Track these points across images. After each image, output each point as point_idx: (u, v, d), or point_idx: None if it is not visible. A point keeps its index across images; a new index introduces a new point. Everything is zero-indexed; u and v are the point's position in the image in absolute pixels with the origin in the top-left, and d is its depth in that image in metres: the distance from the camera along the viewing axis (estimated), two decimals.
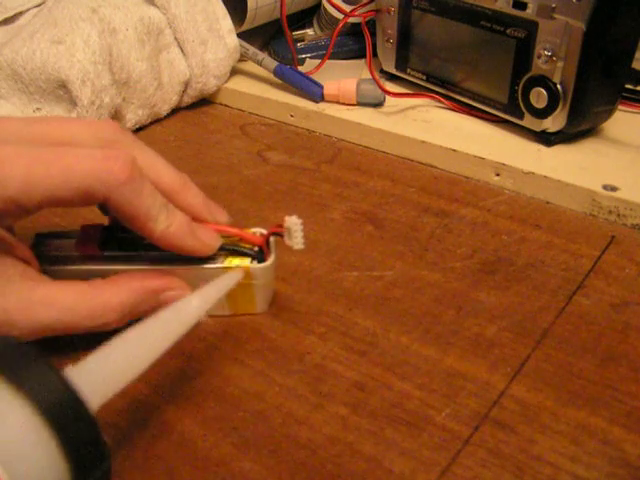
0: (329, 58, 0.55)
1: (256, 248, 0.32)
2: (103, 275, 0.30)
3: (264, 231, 0.33)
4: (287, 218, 0.30)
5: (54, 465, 0.20)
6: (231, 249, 0.32)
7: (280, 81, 0.54)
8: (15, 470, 0.19)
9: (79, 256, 0.31)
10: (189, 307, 0.26)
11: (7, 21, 0.51)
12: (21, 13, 0.51)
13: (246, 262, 0.31)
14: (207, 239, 0.31)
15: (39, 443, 0.20)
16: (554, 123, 0.43)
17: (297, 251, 0.31)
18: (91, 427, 0.21)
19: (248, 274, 0.31)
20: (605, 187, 0.40)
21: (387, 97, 0.51)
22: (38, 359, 0.21)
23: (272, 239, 0.32)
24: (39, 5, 0.52)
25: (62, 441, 0.20)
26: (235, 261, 0.31)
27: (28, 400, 0.20)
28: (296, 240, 0.30)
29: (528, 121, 0.45)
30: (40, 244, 0.32)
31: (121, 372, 0.24)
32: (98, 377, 0.23)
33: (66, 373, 0.22)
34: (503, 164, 0.43)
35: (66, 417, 0.20)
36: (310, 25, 0.63)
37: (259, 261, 0.31)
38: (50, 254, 0.32)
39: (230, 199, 0.42)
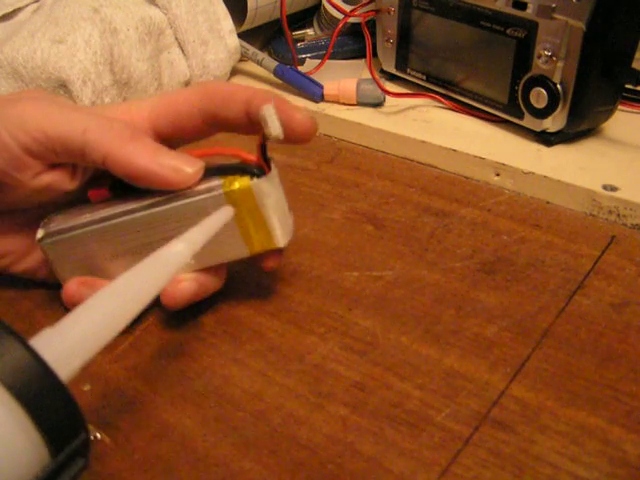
0: (329, 58, 0.55)
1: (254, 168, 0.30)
2: (116, 220, 0.30)
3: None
4: (263, 107, 0.28)
5: (28, 439, 0.19)
6: (226, 168, 0.30)
7: (280, 81, 0.54)
8: None
9: (89, 209, 0.31)
10: (173, 253, 0.25)
11: (6, 17, 0.51)
12: (20, 9, 0.51)
13: (246, 180, 0.29)
14: (175, 163, 0.29)
15: (9, 418, 0.19)
16: (554, 123, 0.43)
17: (296, 250, 0.30)
18: (62, 396, 0.20)
19: (251, 194, 0.29)
20: (605, 187, 0.40)
21: (387, 97, 0.51)
22: (2, 330, 0.20)
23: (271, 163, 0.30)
24: (37, 0, 0.52)
25: (33, 414, 0.19)
26: (236, 183, 0.29)
27: None
28: (274, 126, 0.28)
29: (528, 121, 0.45)
30: (50, 223, 0.32)
31: (96, 333, 0.22)
32: (69, 342, 0.21)
33: (34, 342, 0.20)
34: (503, 164, 0.43)
35: (34, 389, 0.19)
36: (310, 25, 0.63)
37: (259, 176, 0.29)
38: (61, 226, 0.31)
39: None
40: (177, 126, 0.32)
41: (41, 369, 0.19)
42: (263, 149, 0.30)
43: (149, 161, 0.29)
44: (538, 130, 0.45)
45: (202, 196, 0.29)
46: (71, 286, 0.31)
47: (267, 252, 0.31)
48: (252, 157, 0.30)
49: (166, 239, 0.29)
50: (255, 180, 0.29)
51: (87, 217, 0.31)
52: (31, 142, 0.29)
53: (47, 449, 0.20)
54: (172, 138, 0.32)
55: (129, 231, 0.30)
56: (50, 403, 0.19)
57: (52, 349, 0.21)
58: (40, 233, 0.31)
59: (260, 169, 0.30)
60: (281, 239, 0.31)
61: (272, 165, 0.30)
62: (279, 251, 0.32)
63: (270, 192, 0.30)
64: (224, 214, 0.28)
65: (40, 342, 0.21)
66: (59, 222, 0.31)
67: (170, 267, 0.24)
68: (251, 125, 0.31)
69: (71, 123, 0.29)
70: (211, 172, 0.30)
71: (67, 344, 0.21)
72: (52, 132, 0.29)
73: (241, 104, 0.30)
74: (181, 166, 0.29)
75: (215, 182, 0.29)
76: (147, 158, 0.29)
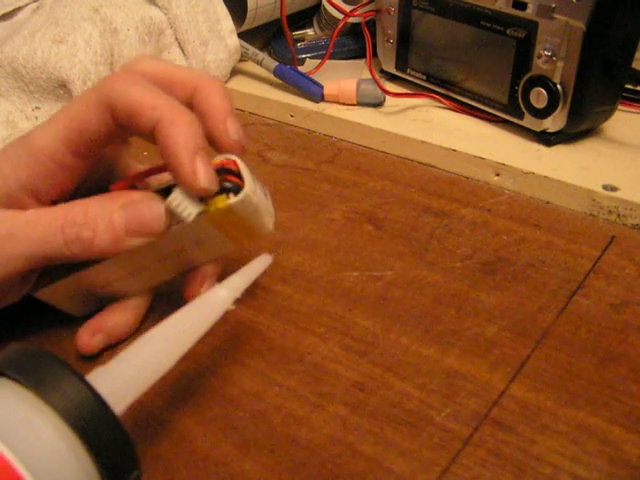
0: (329, 58, 0.55)
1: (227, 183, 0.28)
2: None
3: (233, 157, 0.29)
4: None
5: (86, 474, 0.20)
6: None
7: (280, 81, 0.54)
8: None
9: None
10: (216, 298, 0.26)
11: (6, 16, 0.51)
12: (19, 8, 0.51)
13: (223, 200, 0.28)
14: (205, 170, 0.26)
15: (70, 453, 0.20)
16: (554, 123, 0.43)
17: (296, 250, 0.30)
18: (119, 433, 0.21)
19: (231, 211, 0.28)
20: (605, 187, 0.40)
21: (387, 97, 0.51)
22: (60, 366, 0.21)
23: (240, 163, 0.28)
24: (37, 0, 0.52)
25: (92, 450, 0.20)
26: (213, 205, 0.28)
27: (56, 411, 0.20)
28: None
29: (528, 121, 0.45)
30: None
31: (146, 372, 0.23)
32: (123, 380, 0.23)
33: (90, 379, 0.21)
34: (503, 164, 0.43)
35: (93, 425, 0.20)
36: (310, 25, 0.63)
37: (235, 192, 0.28)
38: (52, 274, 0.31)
39: None
40: (88, 137, 0.28)
41: (100, 406, 0.20)
42: (225, 170, 0.28)
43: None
44: (538, 130, 0.45)
45: (183, 224, 0.28)
46: (84, 338, 0.31)
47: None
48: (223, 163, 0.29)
49: (157, 258, 0.30)
50: (234, 201, 0.28)
51: (70, 265, 0.30)
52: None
53: None
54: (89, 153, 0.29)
55: (119, 259, 0.30)
56: (107, 439, 0.20)
57: (106, 386, 0.21)
58: (38, 290, 0.31)
59: (235, 185, 0.28)
60: (269, 227, 0.30)
61: (245, 176, 0.28)
62: None
63: (250, 202, 0.28)
64: (263, 262, 0.28)
65: (96, 378, 0.22)
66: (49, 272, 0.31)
67: (214, 311, 0.26)
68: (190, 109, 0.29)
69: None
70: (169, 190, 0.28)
71: (121, 382, 0.23)
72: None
73: (147, 120, 0.27)
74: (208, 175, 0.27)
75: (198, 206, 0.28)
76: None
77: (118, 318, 0.32)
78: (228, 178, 0.28)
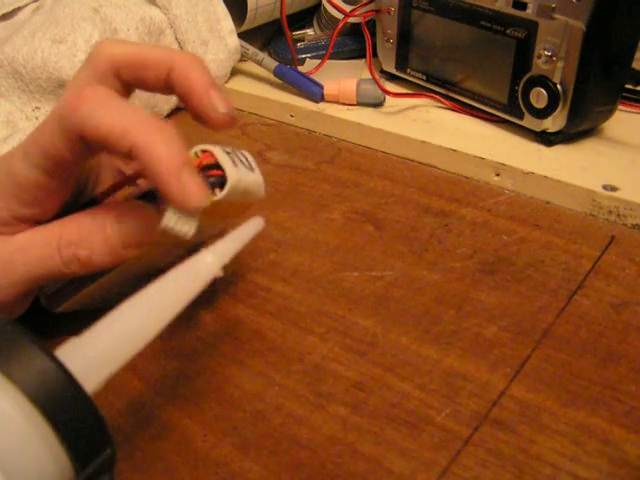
0: (329, 58, 0.55)
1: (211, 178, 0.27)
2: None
3: (207, 147, 0.28)
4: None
5: (52, 454, 0.19)
6: None
7: (280, 81, 0.54)
8: (11, 462, 0.18)
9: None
10: (202, 264, 0.24)
11: (6, 16, 0.51)
12: (20, 8, 0.51)
13: (211, 197, 0.27)
14: (195, 188, 0.25)
15: (34, 433, 0.18)
16: (554, 123, 0.43)
17: (296, 250, 0.30)
18: (88, 410, 0.19)
19: (221, 204, 0.27)
20: (605, 187, 0.40)
21: (387, 97, 0.51)
22: (27, 340, 0.19)
23: (217, 153, 0.28)
24: (37, 0, 0.52)
25: (58, 429, 0.19)
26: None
27: (19, 388, 0.18)
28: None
29: (528, 121, 0.45)
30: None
31: (123, 345, 0.22)
32: (96, 353, 0.21)
33: (59, 353, 0.20)
34: (503, 164, 0.43)
35: (60, 402, 0.19)
36: (310, 25, 0.63)
37: (221, 185, 0.27)
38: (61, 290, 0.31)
39: None
40: (58, 157, 0.27)
41: (67, 381, 0.19)
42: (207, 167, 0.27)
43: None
44: (538, 130, 0.45)
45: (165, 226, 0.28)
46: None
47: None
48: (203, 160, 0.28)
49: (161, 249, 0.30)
50: (219, 195, 0.27)
51: (83, 277, 0.30)
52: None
53: (72, 464, 0.19)
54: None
55: (125, 272, 0.30)
56: (76, 417, 0.19)
57: (78, 360, 0.20)
58: (43, 300, 0.31)
59: (218, 177, 0.27)
60: (260, 195, 0.30)
61: (224, 166, 0.27)
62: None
63: (236, 189, 0.27)
64: (253, 225, 0.27)
65: (66, 353, 0.20)
66: (56, 285, 0.31)
67: (199, 278, 0.24)
68: (169, 90, 0.29)
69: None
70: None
71: (94, 355, 0.21)
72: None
73: (122, 148, 0.25)
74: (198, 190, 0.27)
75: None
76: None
77: None
78: (210, 173, 0.27)
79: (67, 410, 0.19)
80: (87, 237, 0.27)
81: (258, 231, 0.26)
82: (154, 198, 0.28)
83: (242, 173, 0.28)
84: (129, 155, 0.25)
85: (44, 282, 0.29)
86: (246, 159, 0.29)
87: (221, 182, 0.27)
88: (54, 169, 0.27)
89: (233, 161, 0.28)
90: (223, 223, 0.31)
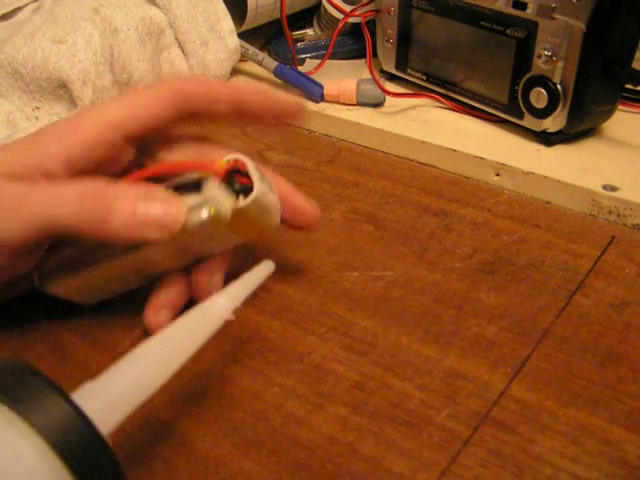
0: (329, 58, 0.55)
1: (236, 185, 0.28)
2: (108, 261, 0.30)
3: (239, 156, 0.29)
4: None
5: None
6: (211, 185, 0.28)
7: (280, 81, 0.54)
8: None
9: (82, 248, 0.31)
10: (215, 307, 0.25)
11: (6, 16, 0.51)
12: (19, 8, 0.51)
13: (230, 202, 0.28)
14: (156, 213, 0.27)
15: (52, 476, 0.19)
16: (554, 123, 0.43)
17: (296, 250, 0.30)
18: (104, 454, 0.20)
19: (242, 213, 0.28)
20: (605, 187, 0.40)
21: (387, 97, 0.51)
22: (45, 384, 0.20)
23: (249, 163, 0.29)
24: (37, 0, 0.52)
25: (75, 471, 0.19)
26: (223, 207, 0.28)
27: (37, 432, 0.19)
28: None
29: (528, 121, 0.45)
30: (42, 265, 0.31)
31: (138, 388, 0.22)
32: (112, 397, 0.22)
33: (75, 397, 0.21)
34: (503, 164, 0.43)
35: (76, 446, 0.19)
36: (310, 25, 0.63)
37: (245, 192, 0.28)
38: (55, 268, 0.31)
39: None
40: (145, 129, 0.30)
41: (84, 425, 0.19)
42: (235, 172, 0.28)
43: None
44: (538, 130, 0.45)
45: (191, 223, 0.28)
46: (151, 317, 0.31)
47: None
48: (218, 168, 0.29)
49: (168, 254, 0.30)
50: (242, 202, 0.28)
51: (80, 259, 0.30)
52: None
53: None
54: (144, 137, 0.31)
55: (124, 265, 0.30)
56: (92, 460, 0.19)
57: (94, 404, 0.21)
58: (36, 279, 0.31)
59: (245, 186, 0.28)
60: (276, 222, 0.31)
61: (255, 177, 0.28)
62: None
63: (260, 203, 0.28)
64: (265, 269, 0.27)
65: (82, 396, 0.21)
66: (52, 264, 0.31)
67: (211, 321, 0.25)
68: (241, 118, 0.32)
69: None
70: (190, 187, 0.29)
71: (109, 399, 0.21)
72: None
73: (228, 103, 0.31)
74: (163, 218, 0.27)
75: (202, 209, 0.28)
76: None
77: (173, 291, 0.31)
78: (239, 179, 0.28)
79: (84, 453, 0.19)
80: (113, 196, 0.27)
81: (269, 274, 0.27)
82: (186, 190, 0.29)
83: (267, 189, 0.29)
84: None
85: (50, 235, 0.28)
86: (270, 184, 0.30)
87: (247, 191, 0.28)
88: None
89: (262, 177, 0.29)
90: (233, 243, 0.31)
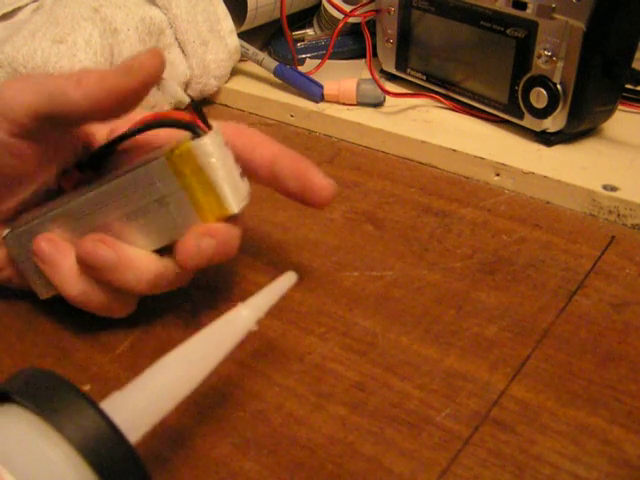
0: (329, 58, 0.55)
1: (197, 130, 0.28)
2: (68, 204, 0.30)
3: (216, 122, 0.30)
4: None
5: None
6: (166, 123, 0.29)
7: (280, 81, 0.54)
8: None
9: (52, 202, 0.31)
10: (238, 319, 0.25)
11: (6, 16, 0.51)
12: (20, 8, 0.51)
13: (186, 143, 0.28)
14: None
15: None
16: (554, 123, 0.44)
17: (296, 250, 0.30)
18: (133, 463, 0.20)
19: (192, 155, 0.28)
20: (605, 187, 0.40)
21: (387, 97, 0.51)
22: (74, 393, 0.20)
23: (214, 123, 0.29)
24: (37, 0, 0.52)
25: (104, 478, 0.19)
26: (177, 148, 0.28)
27: (69, 442, 0.19)
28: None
29: (528, 121, 0.45)
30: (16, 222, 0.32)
31: (163, 398, 0.23)
32: (138, 407, 0.22)
33: (104, 406, 0.21)
34: (503, 164, 0.43)
35: (105, 453, 0.20)
36: (310, 25, 0.63)
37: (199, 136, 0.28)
38: (22, 220, 0.31)
39: None
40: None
41: (112, 434, 0.20)
42: (200, 113, 0.29)
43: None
44: (538, 130, 0.45)
45: (145, 166, 0.29)
46: (190, 243, 0.29)
47: (221, 219, 0.30)
48: (188, 117, 0.29)
49: (121, 217, 0.30)
50: (195, 141, 0.28)
51: (44, 208, 0.31)
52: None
53: None
54: None
55: (83, 213, 0.30)
56: (120, 467, 0.20)
57: (122, 413, 0.21)
58: (5, 232, 0.31)
59: (199, 129, 0.28)
60: (233, 204, 0.29)
61: (213, 125, 0.29)
62: (234, 218, 0.30)
63: (213, 152, 0.28)
64: (288, 279, 0.27)
65: (110, 406, 0.21)
66: (23, 218, 0.31)
67: (235, 332, 0.25)
68: (273, 180, 0.33)
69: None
70: (151, 126, 0.29)
71: (136, 408, 0.22)
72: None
73: (267, 157, 0.32)
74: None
75: (156, 152, 0.29)
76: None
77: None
78: (201, 127, 0.29)
79: (113, 461, 0.20)
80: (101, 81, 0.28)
81: (292, 285, 0.27)
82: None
83: (224, 152, 0.29)
84: None
85: (45, 115, 0.28)
86: (238, 168, 0.30)
87: (200, 135, 0.28)
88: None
89: (222, 140, 0.29)
90: (192, 219, 0.30)
